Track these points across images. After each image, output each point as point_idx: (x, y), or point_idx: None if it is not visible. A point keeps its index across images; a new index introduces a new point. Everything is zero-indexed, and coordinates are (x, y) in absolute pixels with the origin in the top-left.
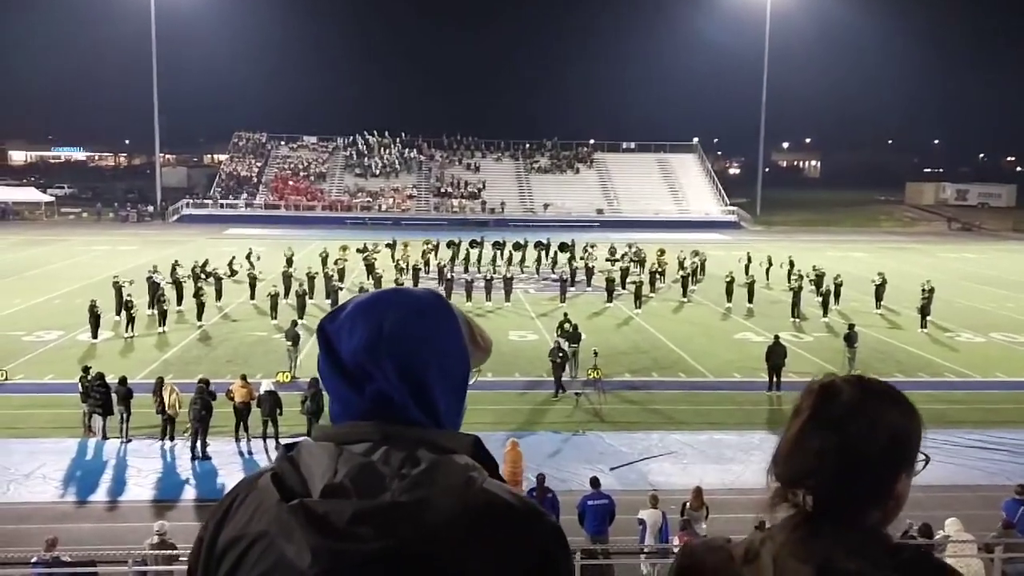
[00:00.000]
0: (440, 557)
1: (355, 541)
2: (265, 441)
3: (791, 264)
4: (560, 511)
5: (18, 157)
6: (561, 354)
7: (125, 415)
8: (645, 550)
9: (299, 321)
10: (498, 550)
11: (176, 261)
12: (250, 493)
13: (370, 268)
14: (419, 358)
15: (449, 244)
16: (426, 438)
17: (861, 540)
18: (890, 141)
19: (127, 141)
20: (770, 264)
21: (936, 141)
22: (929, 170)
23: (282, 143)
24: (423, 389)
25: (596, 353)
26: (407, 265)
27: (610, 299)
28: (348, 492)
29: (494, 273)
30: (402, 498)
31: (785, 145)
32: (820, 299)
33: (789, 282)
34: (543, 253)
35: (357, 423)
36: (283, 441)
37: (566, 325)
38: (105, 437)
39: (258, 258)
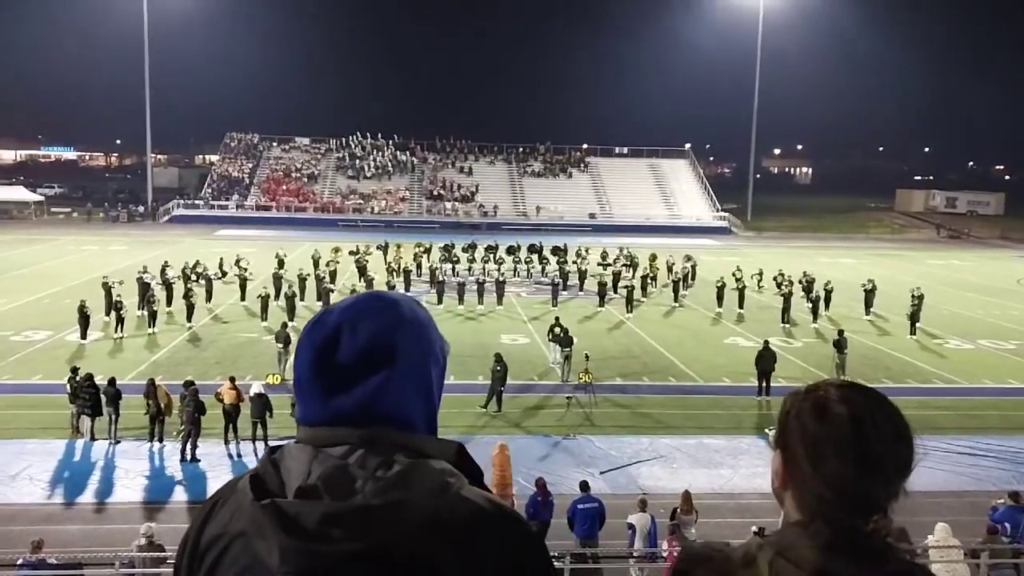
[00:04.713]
0: (410, 560)
1: (325, 542)
2: (255, 443)
3: (781, 274)
4: (553, 514)
5: (7, 156)
6: (499, 367)
7: (114, 416)
8: (634, 554)
9: (289, 323)
10: (470, 555)
11: (165, 262)
12: (232, 495)
13: (362, 270)
14: (421, 364)
15: (442, 247)
16: (407, 443)
17: (860, 547)
18: (880, 148)
19: (118, 141)
20: (760, 276)
21: (926, 149)
22: (919, 177)
23: (274, 144)
24: (426, 395)
25: (588, 357)
26: (399, 268)
27: (602, 303)
28: (320, 493)
29: (486, 276)
30: (373, 501)
31: (776, 151)
32: (810, 305)
33: (779, 288)
34: (536, 257)
35: (337, 427)
36: (271, 443)
37: (557, 329)
38: (93, 438)
39: (247, 264)
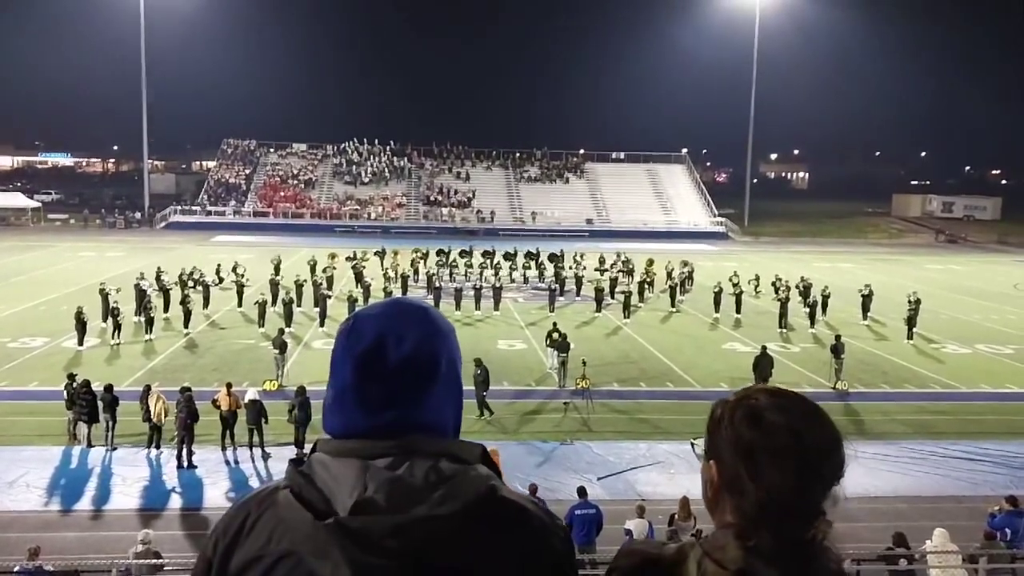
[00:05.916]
0: (476, 566)
1: (393, 555)
2: (251, 450)
3: (778, 279)
4: None
5: (4, 162)
6: (480, 371)
7: (110, 423)
8: None
9: (286, 329)
10: (520, 554)
11: (159, 268)
12: (265, 511)
13: (359, 276)
14: (454, 371)
15: (439, 252)
16: (445, 449)
17: (785, 551)
18: (877, 153)
19: (115, 147)
20: (758, 281)
21: (923, 154)
22: (916, 182)
23: (271, 150)
24: (457, 400)
25: (585, 363)
26: (396, 273)
27: (599, 309)
28: (380, 507)
29: (483, 282)
30: (436, 511)
31: (773, 156)
32: (807, 310)
33: (776, 293)
34: (533, 262)
35: (377, 438)
36: (268, 450)
37: (555, 334)
38: (90, 445)
39: (244, 271)
